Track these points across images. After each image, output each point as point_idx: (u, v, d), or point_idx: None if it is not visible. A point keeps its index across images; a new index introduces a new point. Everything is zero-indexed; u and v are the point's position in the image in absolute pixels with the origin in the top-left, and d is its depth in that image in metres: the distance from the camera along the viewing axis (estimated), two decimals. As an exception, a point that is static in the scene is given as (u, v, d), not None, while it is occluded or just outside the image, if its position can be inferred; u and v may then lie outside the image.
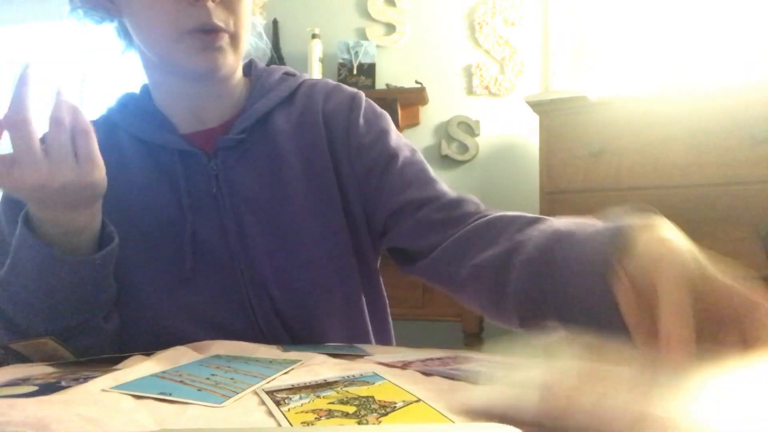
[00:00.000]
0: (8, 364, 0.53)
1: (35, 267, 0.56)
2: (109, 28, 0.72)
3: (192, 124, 0.72)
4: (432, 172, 0.73)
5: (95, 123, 0.73)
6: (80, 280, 0.57)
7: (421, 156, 0.75)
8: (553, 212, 0.63)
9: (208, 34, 0.64)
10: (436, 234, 0.66)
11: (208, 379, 0.43)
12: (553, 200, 1.75)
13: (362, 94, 0.77)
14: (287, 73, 0.78)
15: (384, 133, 0.73)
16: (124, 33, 0.71)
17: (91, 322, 0.61)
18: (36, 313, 0.58)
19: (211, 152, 0.70)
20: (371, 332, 0.76)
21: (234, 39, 0.67)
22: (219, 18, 0.64)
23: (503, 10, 2.36)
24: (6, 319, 0.58)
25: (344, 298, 0.72)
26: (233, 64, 0.68)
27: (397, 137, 0.75)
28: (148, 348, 0.55)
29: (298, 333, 0.70)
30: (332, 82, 0.79)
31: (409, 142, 0.77)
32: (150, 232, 0.68)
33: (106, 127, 0.73)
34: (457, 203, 0.67)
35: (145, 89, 0.76)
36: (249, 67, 0.79)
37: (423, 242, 0.67)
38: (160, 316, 0.65)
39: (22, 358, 0.54)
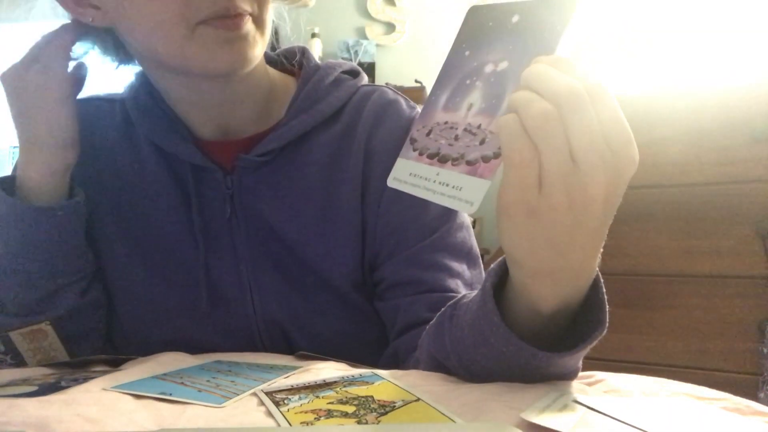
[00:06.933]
0: (5, 366, 0.53)
1: (2, 221, 0.55)
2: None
3: (213, 132, 0.61)
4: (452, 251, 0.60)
5: (113, 112, 0.66)
6: (45, 235, 0.56)
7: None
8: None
9: (228, 20, 0.50)
10: (417, 330, 0.56)
11: (208, 381, 0.43)
12: (553, 200, 1.75)
13: None
14: (346, 72, 0.65)
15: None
16: (114, 46, 0.60)
17: (66, 291, 0.59)
18: (8, 275, 0.57)
19: (229, 168, 0.60)
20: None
21: (259, 22, 0.53)
22: (243, 0, 0.51)
23: (503, 9, 2.36)
24: None
25: (366, 344, 0.63)
26: (259, 55, 0.55)
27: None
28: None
29: None
30: (390, 94, 0.65)
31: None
32: (161, 256, 0.62)
33: (126, 118, 0.65)
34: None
35: (144, 83, 0.63)
36: (295, 58, 0.66)
37: (399, 321, 0.59)
38: (162, 343, 0.59)
39: (18, 359, 0.54)
